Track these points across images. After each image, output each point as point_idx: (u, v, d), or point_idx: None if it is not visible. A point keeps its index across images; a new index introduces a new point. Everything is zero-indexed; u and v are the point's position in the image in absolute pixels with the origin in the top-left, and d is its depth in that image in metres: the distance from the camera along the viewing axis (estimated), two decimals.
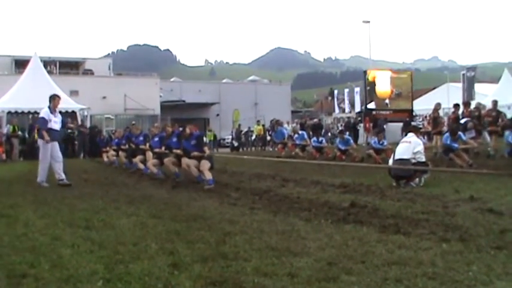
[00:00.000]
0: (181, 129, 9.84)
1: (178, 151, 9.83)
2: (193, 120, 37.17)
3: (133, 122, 14.96)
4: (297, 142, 17.70)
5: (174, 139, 10.35)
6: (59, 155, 9.53)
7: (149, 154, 11.80)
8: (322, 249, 4.10)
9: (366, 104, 24.85)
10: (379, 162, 12.99)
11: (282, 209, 6.22)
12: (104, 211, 6.26)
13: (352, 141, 16.16)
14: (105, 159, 16.47)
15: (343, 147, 15.12)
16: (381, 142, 13.83)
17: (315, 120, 30.62)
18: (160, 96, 37.77)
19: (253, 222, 5.33)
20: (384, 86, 24.79)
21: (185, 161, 9.51)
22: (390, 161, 8.72)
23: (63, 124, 10.66)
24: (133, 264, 3.73)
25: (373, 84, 24.68)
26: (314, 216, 5.64)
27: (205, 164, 9.07)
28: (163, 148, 10.86)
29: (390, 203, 6.45)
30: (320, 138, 17.10)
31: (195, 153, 9.30)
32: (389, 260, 3.72)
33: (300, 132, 18.53)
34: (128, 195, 7.84)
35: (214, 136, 29.99)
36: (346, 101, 52.05)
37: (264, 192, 7.88)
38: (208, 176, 8.93)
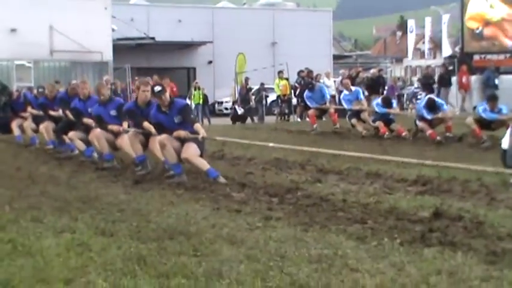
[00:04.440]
0: (157, 88, 9.45)
1: (147, 125, 9.63)
2: (168, 70, 37.15)
3: (84, 80, 14.57)
4: (346, 106, 17.46)
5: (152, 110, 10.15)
6: None
7: (97, 132, 11.67)
8: None
9: (463, 44, 24.62)
10: (480, 138, 12.95)
11: (316, 219, 6.21)
12: (15, 225, 6.27)
13: (446, 106, 15.76)
14: (17, 132, 16.49)
15: (429, 116, 14.75)
16: (496, 110, 13.53)
17: (373, 71, 30.36)
18: (113, 30, 37.62)
19: (268, 242, 5.33)
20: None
21: (159, 139, 9.34)
22: (505, 141, 8.60)
23: None
24: None
25: None
26: (371, 232, 5.62)
27: (192, 149, 8.97)
28: (125, 125, 10.67)
29: (505, 214, 6.39)
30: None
31: (181, 133, 9.09)
32: None
33: (354, 88, 18.29)
34: (57, 198, 7.85)
35: (205, 98, 29.90)
36: (427, 38, 51.60)
37: (288, 191, 7.87)
38: (204, 165, 8.98)
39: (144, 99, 10.02)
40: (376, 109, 16.26)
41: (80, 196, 7.94)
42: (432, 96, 15.91)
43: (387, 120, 16.05)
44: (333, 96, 24.69)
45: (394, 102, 17.19)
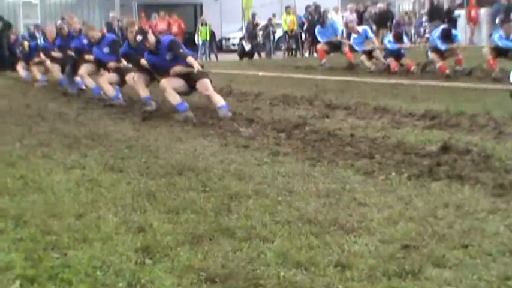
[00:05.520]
0: (138, 38, 9.37)
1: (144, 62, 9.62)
2: (175, 7, 36.73)
3: (70, 14, 14.46)
4: (358, 48, 17.22)
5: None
6: None
7: (102, 79, 11.69)
8: (393, 222, 4.10)
9: None
10: (494, 69, 12.84)
11: (324, 154, 6.23)
12: (25, 161, 6.33)
13: (460, 36, 15.44)
14: (23, 72, 16.50)
15: (443, 46, 14.45)
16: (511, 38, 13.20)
17: (380, 5, 29.92)
18: None
19: (276, 177, 5.36)
20: None
21: (160, 84, 9.31)
22: None
23: None
24: (75, 250, 3.77)
25: None
26: (379, 167, 5.63)
27: (206, 82, 9.05)
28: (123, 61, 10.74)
29: None
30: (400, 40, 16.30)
31: (176, 68, 9.11)
32: (510, 243, 3.68)
33: (361, 29, 18.02)
34: (66, 135, 7.90)
35: (212, 34, 29.67)
36: None
37: (296, 126, 7.88)
38: (219, 100, 8.99)
39: (133, 39, 9.95)
40: (388, 46, 16.11)
41: (89, 133, 7.98)
42: (447, 26, 15.63)
43: (398, 55, 15.91)
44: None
45: (405, 38, 17.02)
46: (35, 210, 4.58)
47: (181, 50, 9.30)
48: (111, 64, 10.95)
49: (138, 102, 10.43)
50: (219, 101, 8.99)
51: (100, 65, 11.50)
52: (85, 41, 12.20)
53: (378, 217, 4.20)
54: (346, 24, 19.47)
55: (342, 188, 4.94)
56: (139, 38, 9.28)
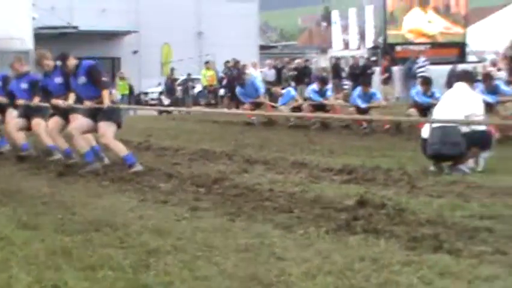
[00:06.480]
0: (58, 63, 9.22)
1: (63, 102, 9.44)
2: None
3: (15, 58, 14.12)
4: (284, 108, 17.24)
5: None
6: None
7: (10, 113, 11.44)
8: (311, 276, 4.14)
9: (386, 35, 25.14)
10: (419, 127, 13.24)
11: (243, 209, 6.27)
12: None
13: (379, 95, 15.89)
14: None
15: (363, 105, 14.85)
16: (429, 94, 13.55)
17: (298, 61, 30.59)
18: (34, 19, 36.78)
19: (196, 232, 5.35)
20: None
21: (68, 130, 9.19)
22: (425, 130, 8.81)
23: None
24: None
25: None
26: (298, 221, 5.70)
27: (107, 130, 8.79)
28: (35, 100, 10.61)
29: (425, 201, 6.57)
30: (325, 88, 16.58)
31: (87, 103, 8.91)
32: None
33: (285, 91, 18.22)
34: None
35: (130, 89, 29.60)
36: (353, 29, 52.26)
37: (215, 181, 7.90)
38: (121, 150, 8.85)
39: (50, 69, 9.86)
40: (312, 96, 16.35)
41: (0, 189, 7.77)
42: (363, 82, 16.17)
43: (321, 107, 16.08)
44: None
45: (329, 90, 17.24)
46: None
47: (103, 78, 9.02)
48: (20, 101, 10.77)
49: (50, 155, 10.20)
50: (121, 150, 8.85)
51: (12, 100, 11.27)
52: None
53: (297, 271, 4.24)
54: (271, 94, 19.49)
55: (261, 243, 4.97)
56: (58, 63, 9.13)
